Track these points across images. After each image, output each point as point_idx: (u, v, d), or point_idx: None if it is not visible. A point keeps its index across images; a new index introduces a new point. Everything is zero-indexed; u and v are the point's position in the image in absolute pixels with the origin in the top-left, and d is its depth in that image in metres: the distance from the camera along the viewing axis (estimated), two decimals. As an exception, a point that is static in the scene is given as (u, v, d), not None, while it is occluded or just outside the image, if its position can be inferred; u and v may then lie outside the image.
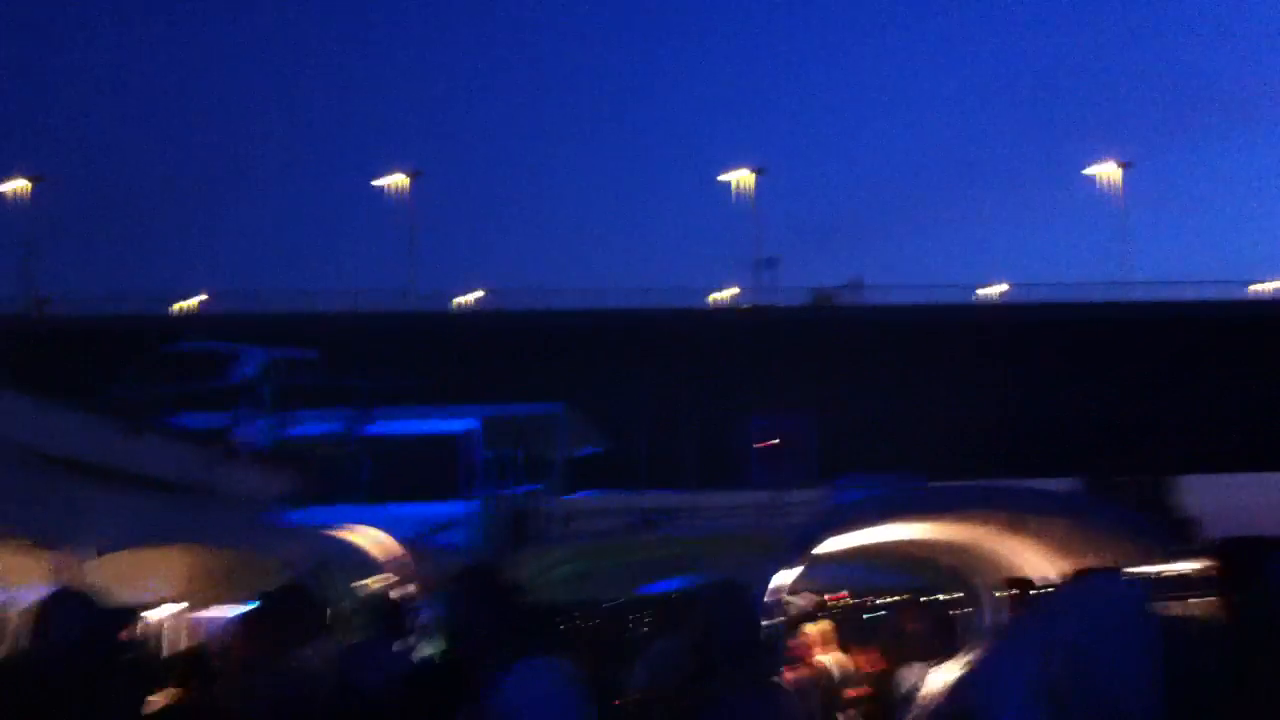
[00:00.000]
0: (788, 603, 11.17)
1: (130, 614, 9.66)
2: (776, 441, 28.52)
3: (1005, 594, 10.36)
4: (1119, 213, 76.60)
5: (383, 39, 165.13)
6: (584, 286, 78.24)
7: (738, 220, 78.86)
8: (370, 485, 20.87)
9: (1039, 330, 59.45)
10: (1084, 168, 79.18)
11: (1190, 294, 64.44)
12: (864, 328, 59.37)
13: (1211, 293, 64.94)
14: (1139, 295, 65.15)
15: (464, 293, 66.77)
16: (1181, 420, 56.18)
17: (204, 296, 64.47)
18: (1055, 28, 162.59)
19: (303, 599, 9.60)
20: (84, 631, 4.50)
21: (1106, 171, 76.07)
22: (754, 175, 75.11)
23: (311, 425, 19.47)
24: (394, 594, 12.63)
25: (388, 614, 9.46)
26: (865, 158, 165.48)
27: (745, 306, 65.17)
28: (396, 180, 74.07)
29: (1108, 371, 58.24)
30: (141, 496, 11.04)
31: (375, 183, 75.85)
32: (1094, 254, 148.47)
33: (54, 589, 6.50)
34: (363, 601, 11.05)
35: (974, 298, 66.64)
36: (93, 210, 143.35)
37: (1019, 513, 11.56)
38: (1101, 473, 53.63)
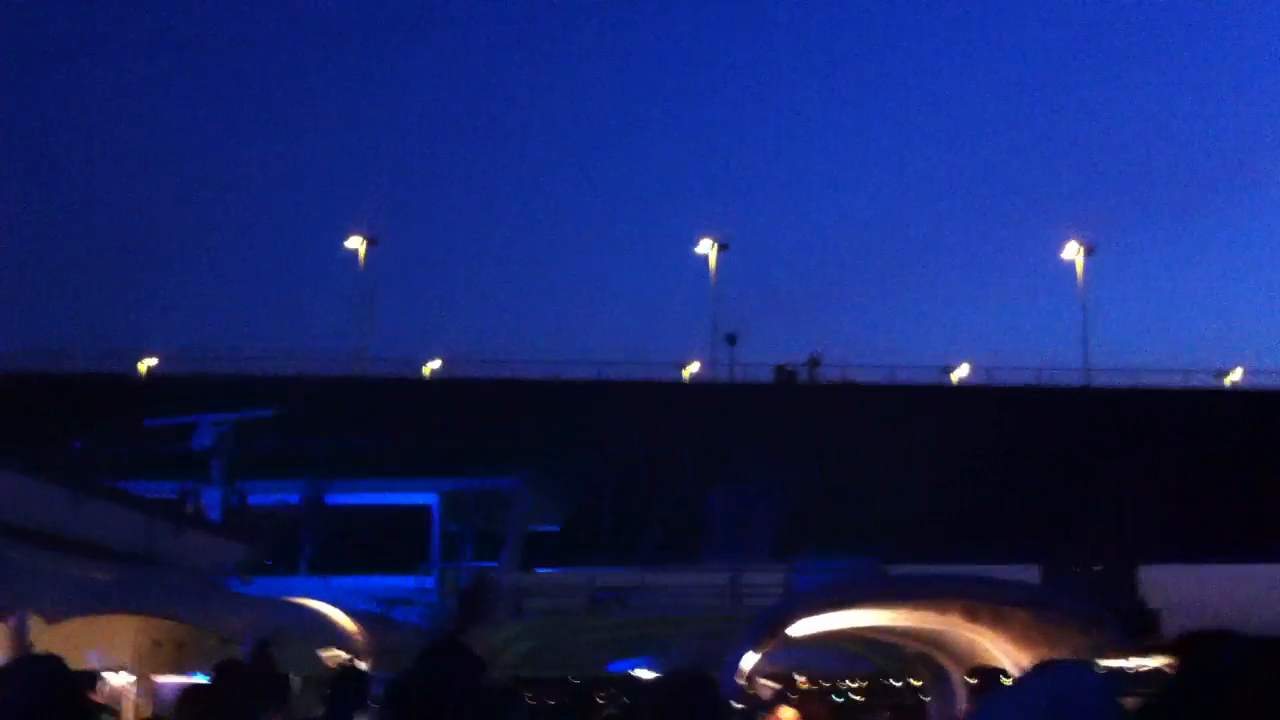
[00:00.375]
0: (748, 687, 11.03)
1: (92, 678, 9.48)
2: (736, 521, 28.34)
3: (974, 682, 10.27)
4: (1083, 296, 75.35)
5: (343, 107, 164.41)
6: (543, 357, 78.04)
7: (701, 292, 78.59)
8: (325, 556, 20.52)
9: (1000, 412, 59.14)
10: (1050, 249, 78.10)
11: (1153, 380, 64.03)
12: (824, 405, 59.26)
13: (1176, 381, 64.94)
14: (1103, 381, 65.14)
15: (421, 359, 66.10)
16: (1145, 508, 56.53)
17: (154, 360, 62.87)
18: (1021, 106, 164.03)
19: (254, 674, 9.41)
20: (49, 694, 4.34)
21: (1071, 254, 75.91)
22: (717, 249, 74.34)
23: (266, 495, 19.18)
24: (348, 666, 12.40)
25: (351, 687, 9.24)
26: (829, 234, 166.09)
27: (706, 383, 65.55)
28: (355, 244, 73.19)
29: (1069, 456, 57.82)
30: (89, 564, 10.79)
31: (345, 244, 74.74)
32: (1059, 337, 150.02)
33: (17, 654, 6.35)
34: (326, 674, 10.80)
35: (936, 378, 66.59)
36: (41, 264, 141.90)
37: (980, 602, 11.53)
38: (1061, 560, 53.72)
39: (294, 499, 19.87)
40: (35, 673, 4.83)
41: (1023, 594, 12.87)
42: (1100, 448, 57.22)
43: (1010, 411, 59.38)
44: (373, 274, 74.34)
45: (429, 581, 22.77)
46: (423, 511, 24.08)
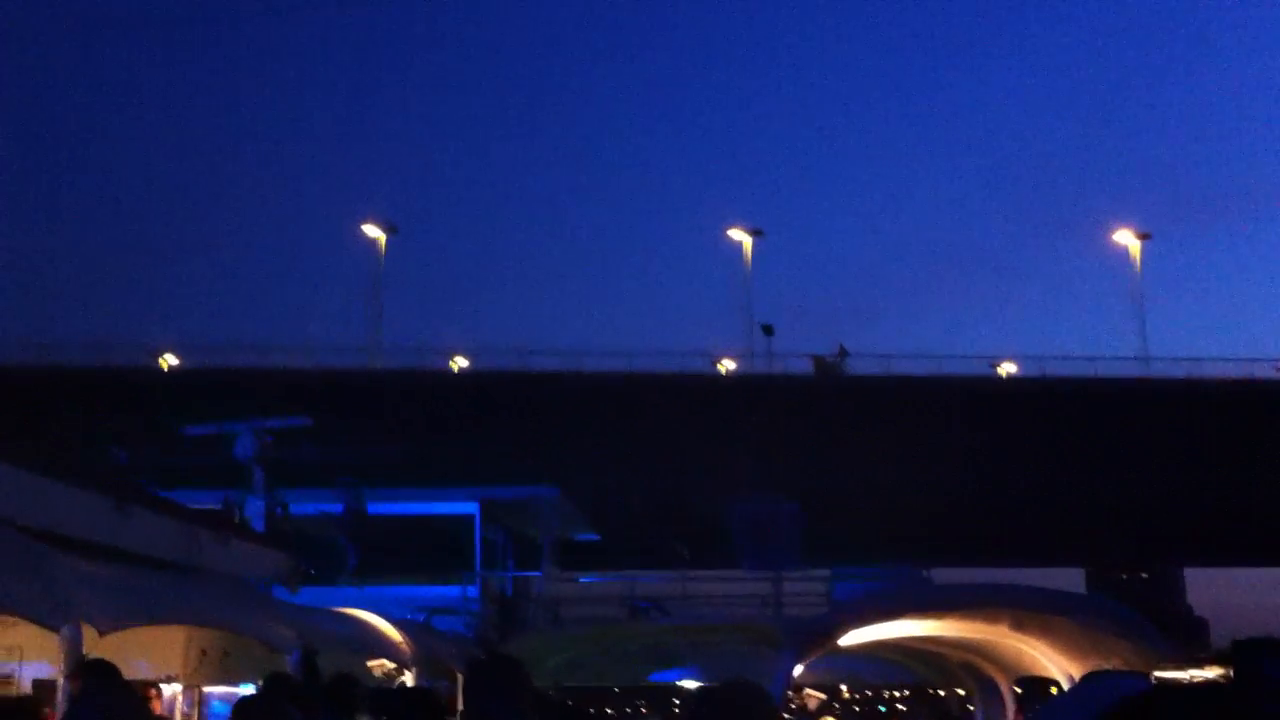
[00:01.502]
0: (794, 697, 10.97)
1: (153, 688, 9.61)
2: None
3: (1022, 691, 10.18)
4: (1138, 284, 69.73)
5: (369, 89, 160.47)
6: (567, 349, 74.68)
7: (733, 283, 75.58)
8: (367, 566, 20.59)
9: (1052, 406, 55.40)
10: (1102, 237, 73.93)
11: (1212, 370, 58.50)
12: (866, 399, 55.38)
13: (1234, 370, 59.10)
14: (1157, 371, 59.86)
15: (440, 351, 61.78)
16: (1195, 506, 52.98)
17: (170, 354, 58.65)
18: (1074, 92, 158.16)
19: (302, 684, 9.45)
20: (118, 705, 4.35)
21: (1125, 241, 70.46)
22: (752, 237, 70.09)
23: (308, 504, 19.27)
24: (393, 677, 12.43)
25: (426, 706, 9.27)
26: (870, 220, 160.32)
27: (741, 375, 59.82)
28: (373, 233, 68.67)
29: (1122, 451, 54.05)
30: (137, 574, 10.84)
31: (363, 231, 70.19)
32: (1113, 328, 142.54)
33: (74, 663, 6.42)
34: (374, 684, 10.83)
35: (985, 371, 60.76)
36: (46, 258, 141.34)
37: (1028, 611, 11.43)
38: (1107, 564, 51.50)
39: (336, 509, 19.95)
40: (102, 683, 4.85)
41: (1071, 604, 12.75)
42: (1156, 442, 54.00)
43: (1062, 405, 55.63)
44: (391, 264, 72.03)
45: (471, 590, 22.81)
46: (465, 521, 24.14)
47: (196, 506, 15.32)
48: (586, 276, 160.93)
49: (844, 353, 59.78)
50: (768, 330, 62.44)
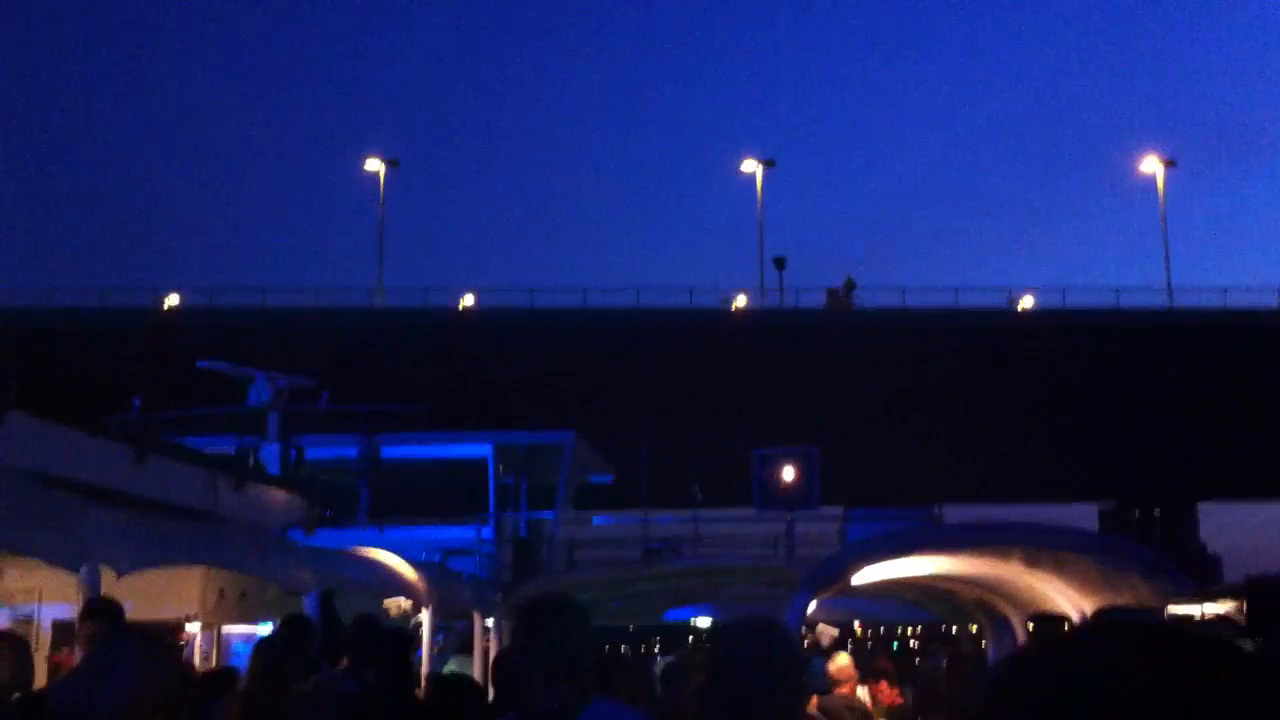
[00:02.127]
0: (808, 634, 11.05)
1: (176, 628, 9.75)
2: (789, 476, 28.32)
3: (1035, 628, 10.23)
4: (1161, 215, 65.91)
5: (373, 17, 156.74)
6: (574, 284, 72.81)
7: (745, 218, 73.43)
8: (383, 509, 20.75)
9: (1074, 340, 53.21)
10: (1127, 170, 71.30)
11: (1240, 300, 55.95)
12: (877, 331, 53.50)
13: (1263, 301, 56.78)
14: (1182, 302, 57.21)
15: (445, 290, 58.44)
16: (1220, 441, 51.00)
17: (174, 297, 56.72)
18: (1097, 12, 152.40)
19: (320, 624, 9.56)
20: (142, 647, 4.37)
21: (1150, 169, 66.66)
22: (764, 167, 66.16)
23: (323, 449, 19.36)
24: (409, 615, 12.55)
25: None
26: (886, 160, 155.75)
27: (754, 310, 56.64)
28: (374, 167, 65.10)
29: (1144, 384, 52.14)
30: (154, 520, 10.93)
31: (364, 167, 65.68)
32: (1138, 258, 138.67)
33: (99, 603, 6.52)
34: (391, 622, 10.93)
35: (1005, 303, 57.63)
36: (45, 205, 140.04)
37: (1039, 548, 11.45)
38: (1123, 501, 50.96)
39: (350, 453, 20.05)
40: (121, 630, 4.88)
41: (1084, 541, 12.79)
42: (1180, 375, 52.33)
43: (1083, 337, 53.64)
44: (394, 202, 69.58)
45: (486, 532, 22.99)
46: (478, 464, 24.28)
47: (212, 452, 15.44)
48: (594, 212, 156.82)
49: (851, 285, 58.02)
50: (779, 264, 60.89)
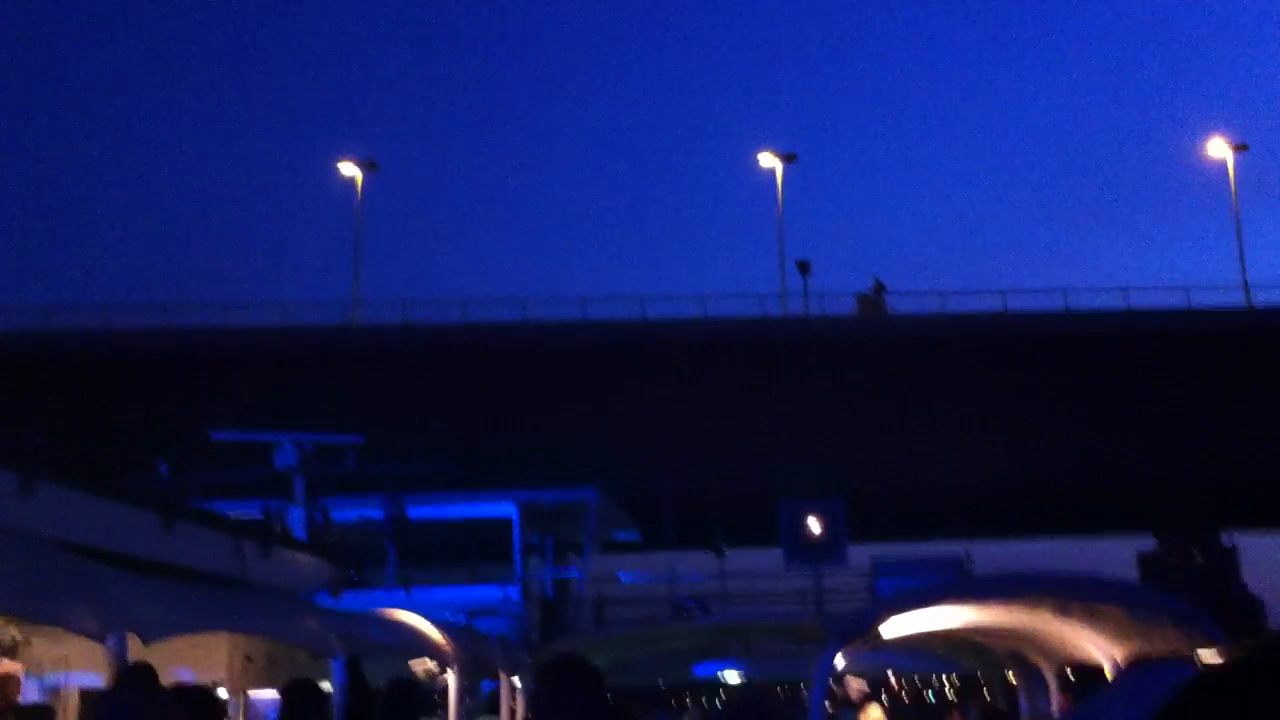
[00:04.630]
0: (838, 689, 10.97)
1: (211, 694, 9.76)
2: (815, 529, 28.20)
3: (1069, 679, 10.13)
4: (1233, 203, 57.82)
5: (347, 6, 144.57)
6: (571, 294, 62.39)
7: (764, 217, 64.05)
8: (408, 570, 20.72)
9: (1139, 344, 47.33)
10: (1191, 153, 62.86)
11: None
12: (917, 345, 47.50)
13: None
14: (1267, 300, 50.74)
15: (426, 304, 51.39)
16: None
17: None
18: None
19: (318, 690, 9.52)
20: (148, 707, 4.38)
21: (1218, 154, 58.86)
22: (784, 162, 59.21)
23: (348, 511, 19.40)
24: (435, 676, 12.51)
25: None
26: (916, 154, 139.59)
27: (775, 319, 49.76)
28: (350, 171, 58.73)
29: (1217, 391, 46.16)
30: (182, 586, 10.97)
31: (339, 171, 59.26)
32: (1205, 254, 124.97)
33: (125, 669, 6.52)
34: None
35: (1059, 305, 50.64)
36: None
37: (1069, 599, 11.35)
38: (1166, 535, 46.18)
39: (376, 514, 20.09)
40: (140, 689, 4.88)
41: (1114, 591, 12.66)
42: (1259, 383, 46.63)
43: (1150, 343, 47.82)
44: (373, 208, 61.27)
45: (513, 592, 22.95)
46: (504, 524, 24.28)
47: (238, 516, 15.46)
48: (592, 213, 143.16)
49: (881, 287, 52.03)
50: (803, 268, 54.45)
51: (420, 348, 47.50)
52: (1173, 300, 50.11)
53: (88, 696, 10.03)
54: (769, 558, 29.69)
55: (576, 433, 44.23)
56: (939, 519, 44.85)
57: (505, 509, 24.53)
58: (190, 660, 10.26)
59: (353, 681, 11.30)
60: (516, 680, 16.39)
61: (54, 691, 10.21)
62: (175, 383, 43.78)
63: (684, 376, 46.46)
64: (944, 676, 27.07)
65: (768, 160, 60.81)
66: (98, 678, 8.95)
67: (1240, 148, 59.63)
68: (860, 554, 29.86)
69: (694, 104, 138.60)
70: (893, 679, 24.56)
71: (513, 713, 15.80)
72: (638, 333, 47.69)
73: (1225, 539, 49.30)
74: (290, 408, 32.88)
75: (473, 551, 23.54)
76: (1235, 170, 58.81)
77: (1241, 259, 55.19)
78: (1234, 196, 58.50)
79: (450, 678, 13.26)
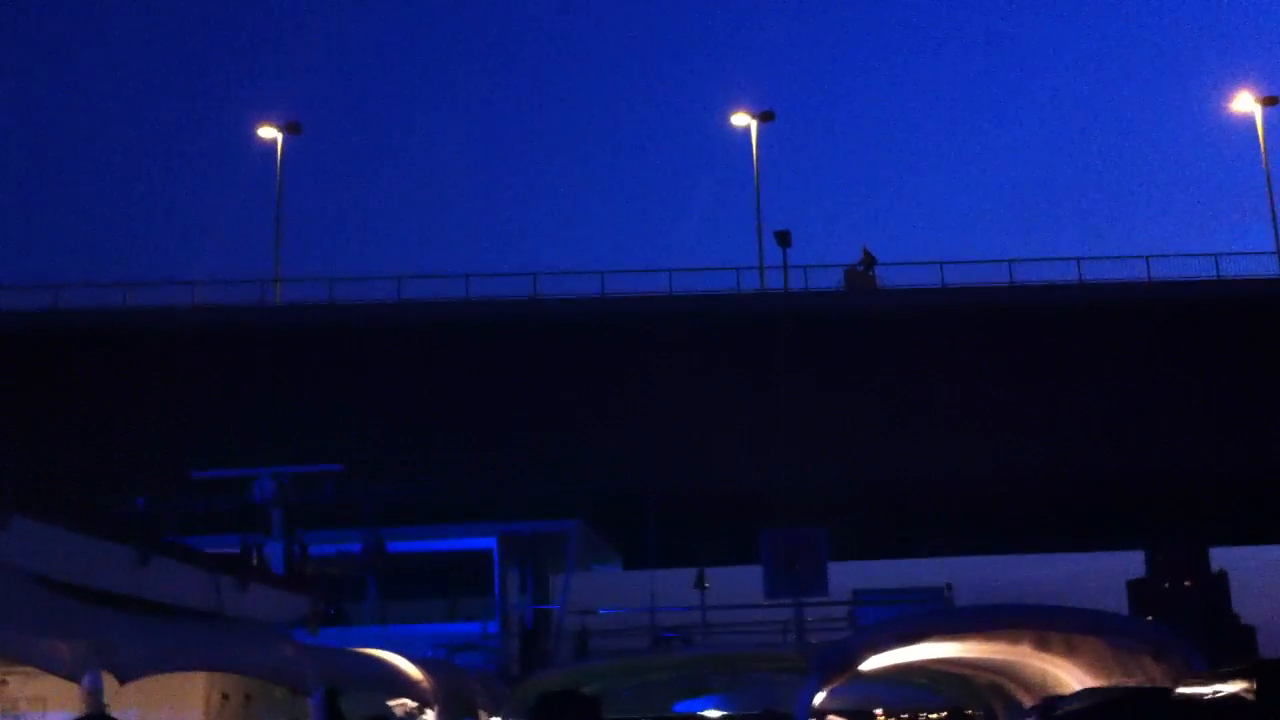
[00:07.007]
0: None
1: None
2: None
3: (1050, 711, 10.12)
4: (1264, 162, 49.07)
5: None
6: (522, 268, 53.97)
7: (738, 182, 54.31)
8: (387, 605, 20.59)
9: (1164, 319, 40.72)
10: (1216, 108, 53.17)
11: None
12: (917, 318, 41.32)
13: None
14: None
15: (357, 280, 40.92)
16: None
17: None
18: None
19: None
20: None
21: (1245, 108, 52.58)
22: (760, 121, 51.25)
23: (326, 546, 19.27)
24: (414, 716, 12.44)
25: None
26: (904, 115, 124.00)
27: (752, 293, 43.50)
28: (269, 134, 54.06)
29: (1249, 369, 39.63)
30: (158, 622, 10.86)
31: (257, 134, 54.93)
32: (1234, 215, 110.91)
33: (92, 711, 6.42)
34: None
35: (1070, 276, 42.29)
36: None
37: (1047, 632, 11.35)
38: (1160, 554, 42.82)
39: (355, 548, 19.95)
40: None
41: (1093, 622, 12.67)
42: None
43: (1181, 316, 41.66)
44: (294, 174, 55.81)
45: (492, 626, 22.79)
46: (484, 555, 24.13)
47: (214, 550, 15.35)
48: (545, 181, 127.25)
49: (871, 259, 47.24)
50: (783, 239, 48.54)
51: (348, 326, 41.22)
52: (1199, 269, 43.77)
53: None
54: (750, 574, 29.09)
55: (528, 420, 39.53)
56: (927, 529, 42.62)
57: (485, 542, 24.38)
58: (166, 697, 10.14)
59: (331, 717, 11.21)
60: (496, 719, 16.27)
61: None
62: (61, 367, 40.27)
63: (649, 363, 40.75)
64: (929, 714, 27.03)
65: (741, 120, 53.48)
66: (73, 717, 8.85)
67: (1269, 101, 53.52)
68: (845, 571, 28.71)
69: (657, 58, 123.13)
70: (880, 715, 24.52)
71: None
72: (596, 310, 42.15)
73: (1215, 565, 47.15)
74: (191, 391, 31.63)
75: (453, 583, 23.40)
76: (1264, 126, 51.80)
77: (1274, 220, 48.99)
78: (1263, 155, 50.91)
79: (429, 716, 13.17)
